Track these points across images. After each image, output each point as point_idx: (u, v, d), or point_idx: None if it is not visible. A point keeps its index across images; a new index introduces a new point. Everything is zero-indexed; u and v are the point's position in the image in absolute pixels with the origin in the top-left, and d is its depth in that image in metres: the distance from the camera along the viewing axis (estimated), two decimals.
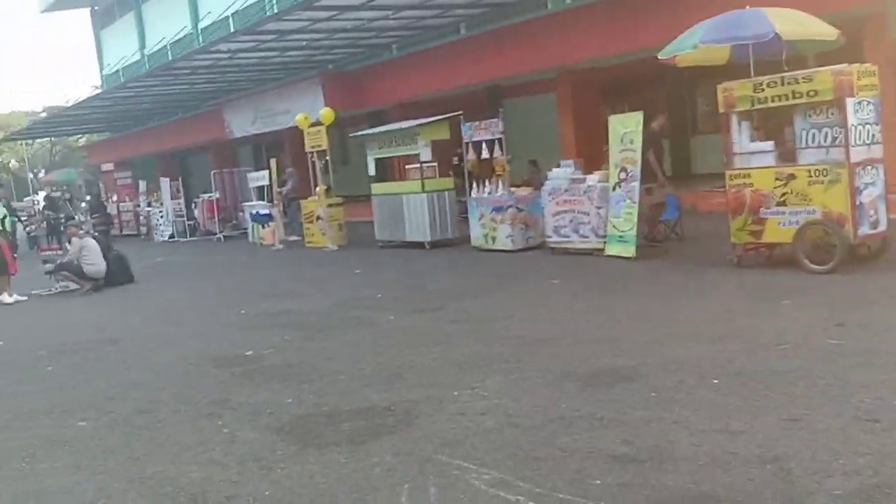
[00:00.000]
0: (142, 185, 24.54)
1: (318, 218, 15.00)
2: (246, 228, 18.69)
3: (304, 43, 17.32)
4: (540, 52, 15.07)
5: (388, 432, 4.40)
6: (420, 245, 12.71)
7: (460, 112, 12.66)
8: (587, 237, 10.24)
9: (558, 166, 11.22)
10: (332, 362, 6.11)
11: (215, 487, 3.88)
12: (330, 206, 14.83)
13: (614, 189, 9.93)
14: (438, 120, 13.01)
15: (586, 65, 15.42)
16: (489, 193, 11.69)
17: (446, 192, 12.90)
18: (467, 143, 12.21)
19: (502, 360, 5.67)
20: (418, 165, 12.96)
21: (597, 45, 14.14)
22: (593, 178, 10.40)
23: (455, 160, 16.22)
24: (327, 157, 15.19)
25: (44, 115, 46.68)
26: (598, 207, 10.07)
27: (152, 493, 3.89)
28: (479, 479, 3.66)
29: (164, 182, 21.52)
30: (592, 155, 13.47)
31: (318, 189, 15.14)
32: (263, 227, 16.78)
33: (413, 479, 3.73)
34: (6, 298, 11.51)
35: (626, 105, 15.44)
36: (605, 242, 9.96)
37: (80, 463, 4.42)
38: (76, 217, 19.19)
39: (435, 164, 13.18)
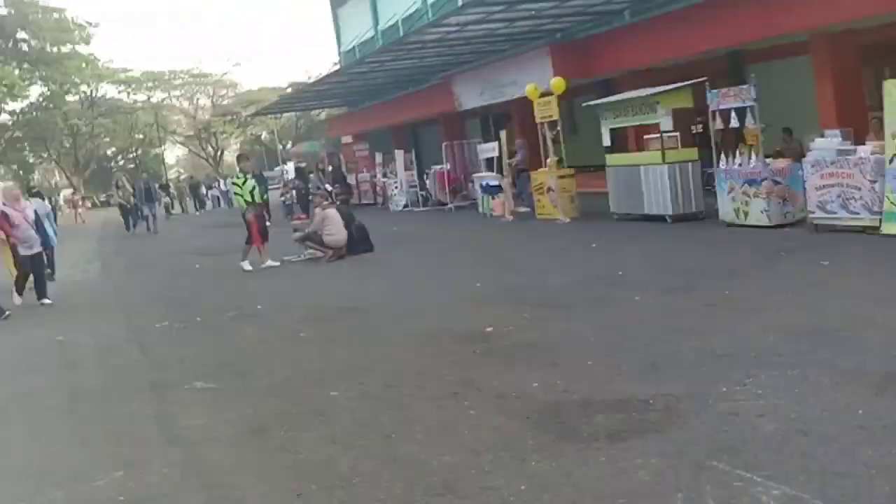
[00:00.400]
0: (378, 156, 25.64)
1: (550, 189, 14.69)
2: (475, 199, 18.86)
3: (532, 12, 16.93)
4: (791, 13, 13.46)
5: (650, 430, 3.98)
6: (660, 219, 11.94)
7: (704, 78, 11.69)
8: (858, 213, 9.01)
9: (822, 136, 9.98)
10: (577, 345, 5.76)
11: (468, 476, 3.69)
12: (561, 177, 14.44)
13: (892, 161, 8.66)
14: (680, 87, 12.11)
15: (845, 26, 13.57)
16: (740, 165, 10.67)
17: (689, 164, 11.99)
18: (713, 112, 11.23)
19: (774, 353, 5.00)
20: (658, 135, 12.18)
21: (862, 4, 12.33)
22: (865, 150, 9.16)
23: (696, 129, 15.16)
24: (558, 128, 14.79)
25: (289, 90, 50.57)
26: (872, 181, 8.84)
27: (405, 475, 3.79)
28: (767, 495, 3.16)
29: (399, 154, 22.30)
30: (855, 123, 11.86)
31: (548, 160, 14.82)
32: (493, 198, 16.77)
33: (687, 488, 3.29)
34: (269, 263, 12.47)
35: (892, 69, 13.46)
36: (880, 219, 8.72)
37: (334, 435, 4.45)
38: (326, 187, 20.34)
39: (677, 133, 12.33)
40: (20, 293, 11.01)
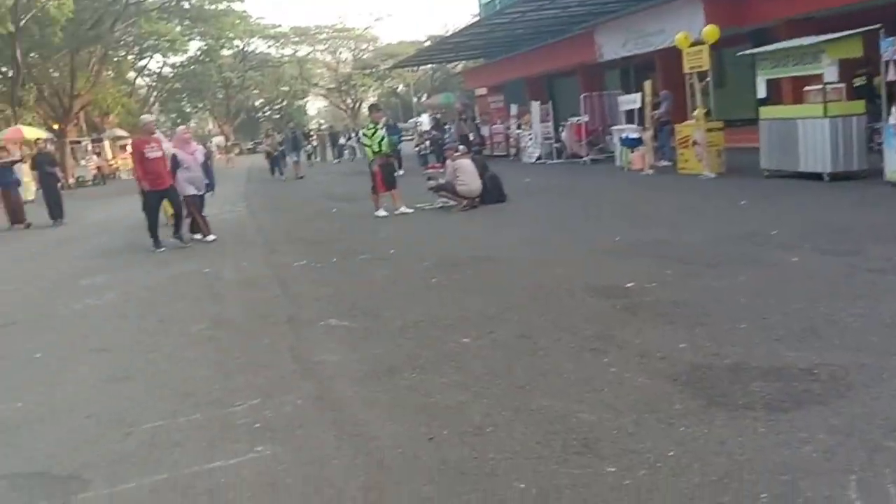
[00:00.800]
0: (513, 108, 25.21)
1: (695, 143, 13.89)
2: (613, 152, 18.21)
3: None
4: None
5: (813, 402, 3.59)
6: (816, 176, 11.01)
7: (879, 25, 10.57)
8: None
9: None
10: (726, 306, 5.34)
11: (609, 436, 3.46)
12: (709, 130, 13.60)
13: None
14: (850, 35, 11.02)
15: None
16: None
17: (854, 118, 10.95)
18: (886, 62, 10.15)
19: None
20: (820, 87, 11.17)
21: None
22: None
23: (859, 81, 13.86)
24: (708, 79, 13.90)
25: (427, 43, 50.73)
26: None
27: (540, 429, 3.60)
28: None
29: (535, 105, 21.80)
30: None
31: (695, 112, 14.00)
32: (632, 151, 16.10)
33: (861, 469, 2.93)
34: (403, 210, 12.64)
35: None
36: None
37: (466, 382, 4.32)
38: (469, 135, 20.26)
39: (842, 85, 11.27)
40: (208, 232, 11.52)
